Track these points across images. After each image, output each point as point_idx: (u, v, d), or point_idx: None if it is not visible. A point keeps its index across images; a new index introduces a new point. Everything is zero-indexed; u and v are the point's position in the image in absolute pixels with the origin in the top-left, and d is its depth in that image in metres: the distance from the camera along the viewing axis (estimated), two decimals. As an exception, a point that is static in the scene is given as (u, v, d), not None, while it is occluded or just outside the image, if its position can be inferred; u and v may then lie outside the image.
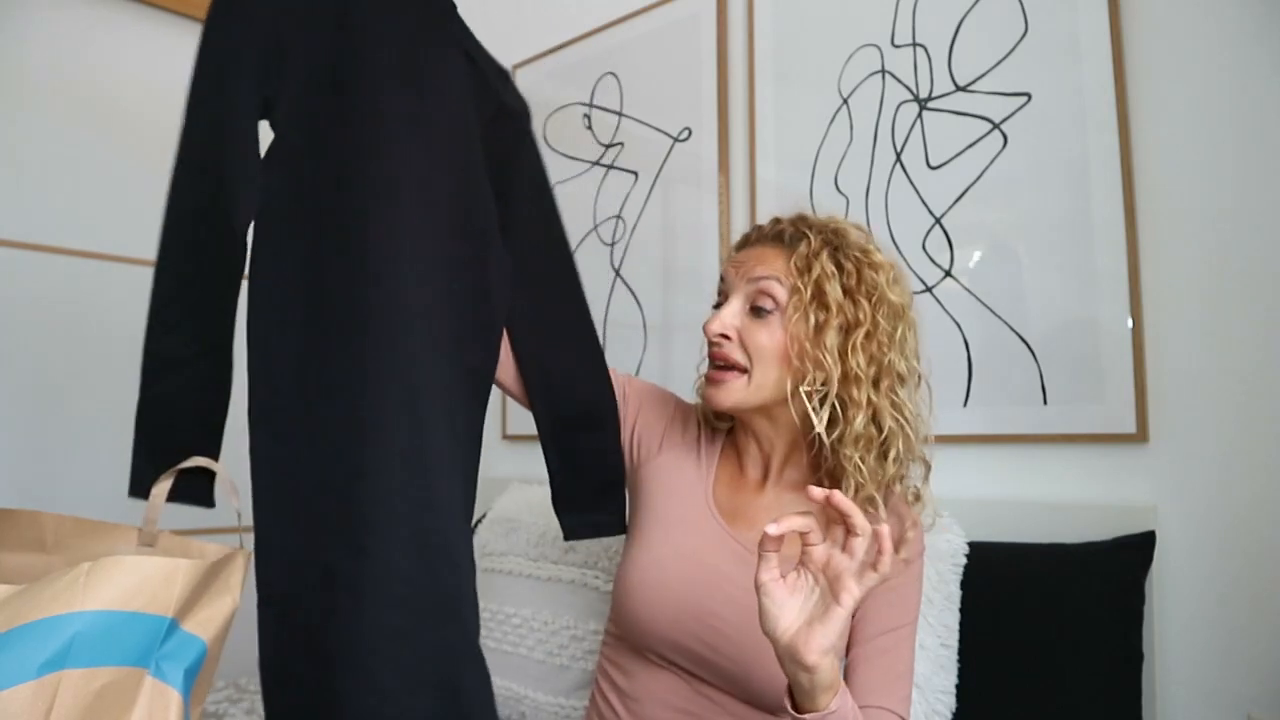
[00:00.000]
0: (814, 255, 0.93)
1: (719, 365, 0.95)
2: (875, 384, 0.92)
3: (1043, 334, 1.39)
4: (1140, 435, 1.29)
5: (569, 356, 1.04)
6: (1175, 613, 1.24)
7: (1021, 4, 1.45)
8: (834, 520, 0.73)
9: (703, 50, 1.89)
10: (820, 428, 0.91)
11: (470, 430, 0.90)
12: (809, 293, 0.91)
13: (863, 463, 0.92)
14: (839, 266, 0.93)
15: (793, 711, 0.74)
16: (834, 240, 0.95)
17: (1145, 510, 1.25)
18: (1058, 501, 1.34)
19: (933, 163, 1.53)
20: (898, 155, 1.57)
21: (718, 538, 0.98)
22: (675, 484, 1.05)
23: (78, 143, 2.00)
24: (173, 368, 0.79)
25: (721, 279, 1.02)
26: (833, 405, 0.92)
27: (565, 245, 1.05)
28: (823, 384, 0.92)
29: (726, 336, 0.94)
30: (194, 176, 0.77)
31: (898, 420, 0.93)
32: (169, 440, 0.78)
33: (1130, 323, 1.31)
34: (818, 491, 0.71)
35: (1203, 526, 1.23)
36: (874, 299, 0.92)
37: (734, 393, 0.94)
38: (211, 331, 0.80)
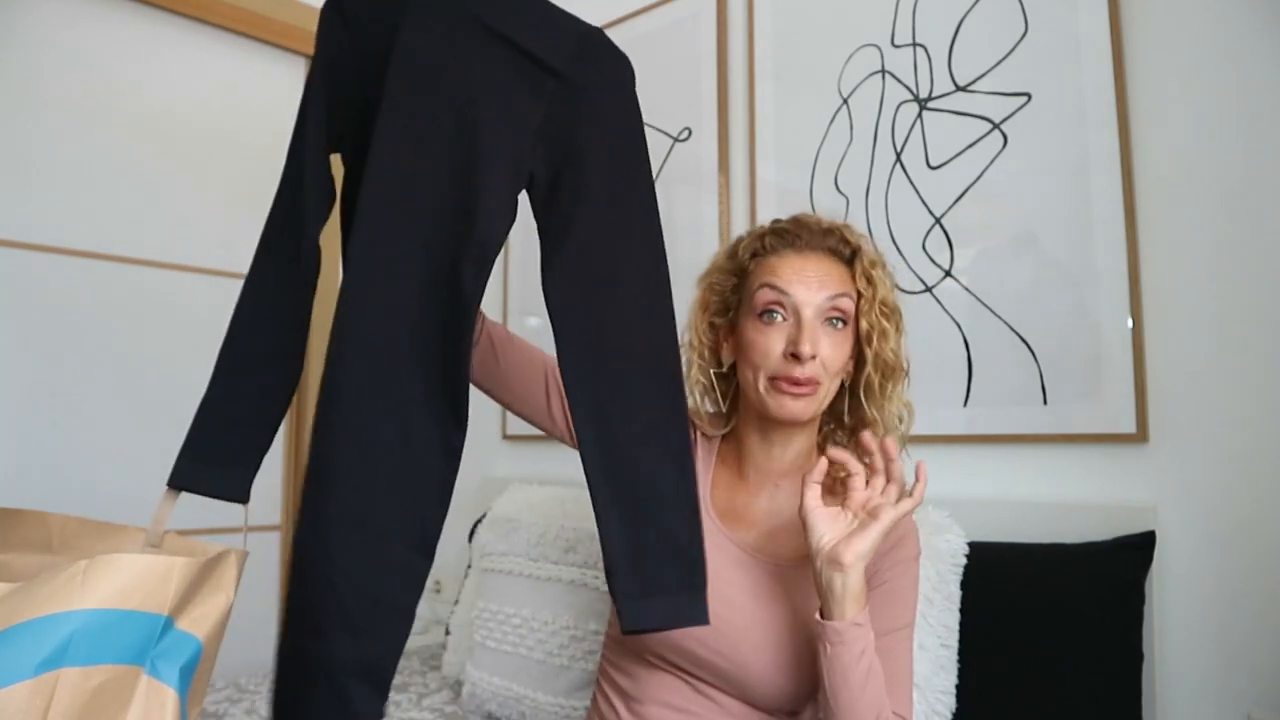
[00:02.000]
0: (871, 267, 0.99)
1: (799, 381, 0.94)
2: (895, 379, 1.00)
3: (1043, 334, 1.39)
4: (1140, 435, 1.29)
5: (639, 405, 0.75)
6: (1175, 613, 1.24)
7: (1021, 4, 1.45)
8: (874, 469, 0.88)
9: (703, 50, 1.90)
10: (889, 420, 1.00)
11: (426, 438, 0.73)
12: (876, 305, 0.97)
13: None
14: (887, 275, 1.01)
15: (821, 618, 0.83)
16: (872, 251, 1.02)
17: (1145, 510, 1.25)
18: (1058, 501, 1.34)
19: (933, 163, 1.53)
20: (898, 155, 1.57)
21: (715, 541, 0.98)
22: None
23: (78, 143, 2.01)
24: (248, 368, 0.82)
25: (771, 288, 0.96)
26: (867, 400, 1.00)
27: (649, 247, 0.78)
28: (879, 383, 0.99)
29: (814, 356, 0.93)
30: (283, 193, 0.84)
31: (908, 409, 1.01)
32: (225, 437, 0.80)
33: (1130, 323, 1.31)
34: (870, 438, 0.88)
35: (1203, 526, 1.23)
36: (897, 306, 1.01)
37: (814, 405, 0.96)
38: (286, 338, 0.83)
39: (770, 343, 0.95)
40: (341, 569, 0.69)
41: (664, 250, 0.78)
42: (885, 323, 0.97)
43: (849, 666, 0.82)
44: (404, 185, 0.75)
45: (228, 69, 2.29)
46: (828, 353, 0.94)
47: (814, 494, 0.88)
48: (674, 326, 0.76)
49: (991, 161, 1.46)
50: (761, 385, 0.96)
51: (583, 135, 0.77)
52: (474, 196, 0.73)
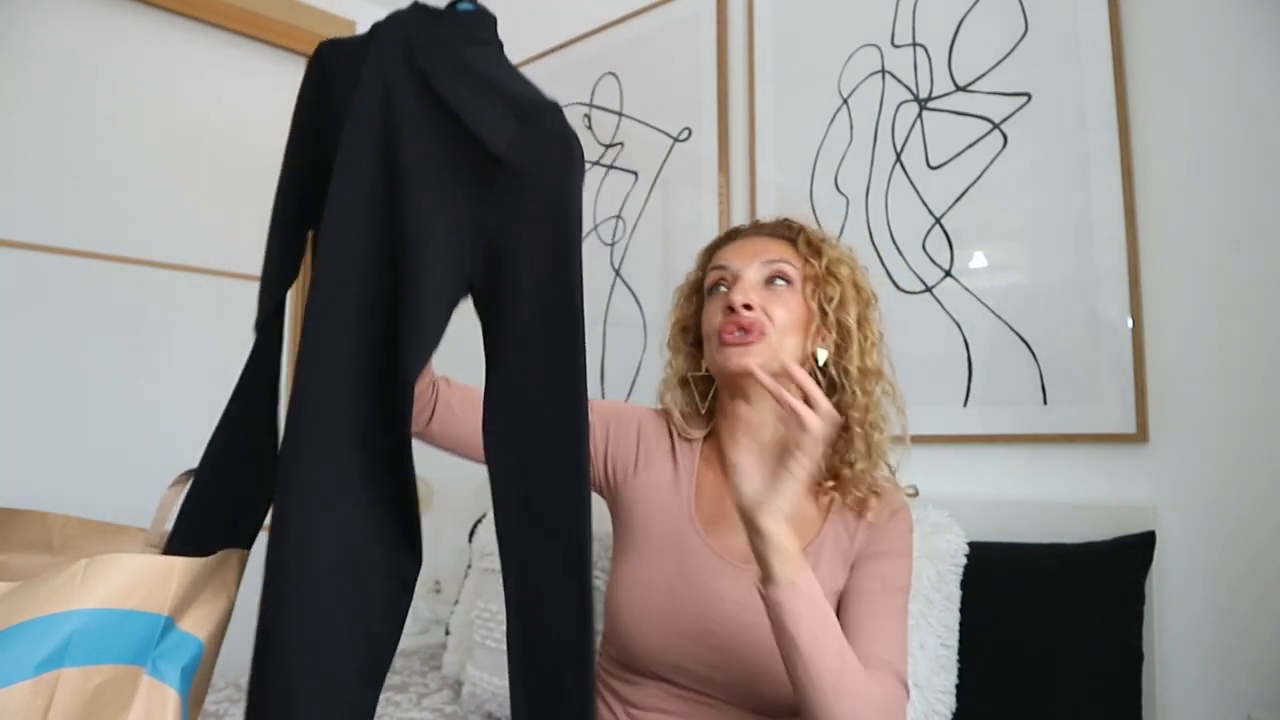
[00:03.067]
0: (820, 241, 1.03)
1: (739, 332, 0.96)
2: (869, 356, 1.00)
3: (1043, 334, 1.39)
4: (1140, 435, 1.29)
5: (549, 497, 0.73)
6: (1175, 613, 1.24)
7: (1021, 4, 1.45)
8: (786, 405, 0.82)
9: (703, 50, 1.89)
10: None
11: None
12: (823, 269, 1.00)
13: (863, 430, 0.98)
14: (838, 255, 1.03)
15: (760, 585, 0.80)
16: (819, 232, 1.06)
17: (1145, 510, 1.25)
18: (1058, 501, 1.34)
19: (933, 163, 1.53)
20: (898, 155, 1.57)
21: (703, 554, 0.98)
22: (656, 502, 1.04)
23: (78, 143, 2.01)
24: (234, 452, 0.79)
25: (716, 269, 1.03)
26: (840, 375, 0.99)
27: (570, 380, 0.71)
28: (837, 352, 0.99)
29: (749, 306, 0.97)
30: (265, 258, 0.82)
31: (887, 391, 1.01)
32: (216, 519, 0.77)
33: (1130, 323, 1.31)
34: (793, 366, 0.83)
35: (1203, 526, 1.23)
36: (860, 284, 1.03)
37: (757, 353, 0.95)
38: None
39: (715, 309, 1.01)
40: (290, 708, 0.65)
41: (583, 376, 0.71)
42: (840, 287, 1.00)
43: (792, 630, 0.77)
44: (341, 282, 0.69)
45: (228, 69, 2.29)
46: (774, 309, 0.97)
47: (741, 449, 0.89)
48: (586, 478, 0.70)
49: (991, 161, 1.46)
50: (714, 348, 0.99)
51: (523, 236, 0.71)
52: (408, 307, 0.68)
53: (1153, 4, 1.33)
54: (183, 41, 2.19)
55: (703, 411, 1.09)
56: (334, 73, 0.78)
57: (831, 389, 0.99)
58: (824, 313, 0.99)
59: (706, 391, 1.08)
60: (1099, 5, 1.36)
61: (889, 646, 0.88)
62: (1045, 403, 1.38)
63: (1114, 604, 1.17)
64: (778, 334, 0.97)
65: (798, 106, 1.73)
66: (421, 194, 0.70)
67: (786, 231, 1.06)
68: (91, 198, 2.01)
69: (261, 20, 2.29)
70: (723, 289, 1.02)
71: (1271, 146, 1.22)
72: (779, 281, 1.00)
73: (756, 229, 1.08)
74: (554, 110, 0.73)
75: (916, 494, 1.05)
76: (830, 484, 0.99)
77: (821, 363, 0.99)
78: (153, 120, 2.12)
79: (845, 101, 1.65)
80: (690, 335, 1.11)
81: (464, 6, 0.78)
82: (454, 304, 0.70)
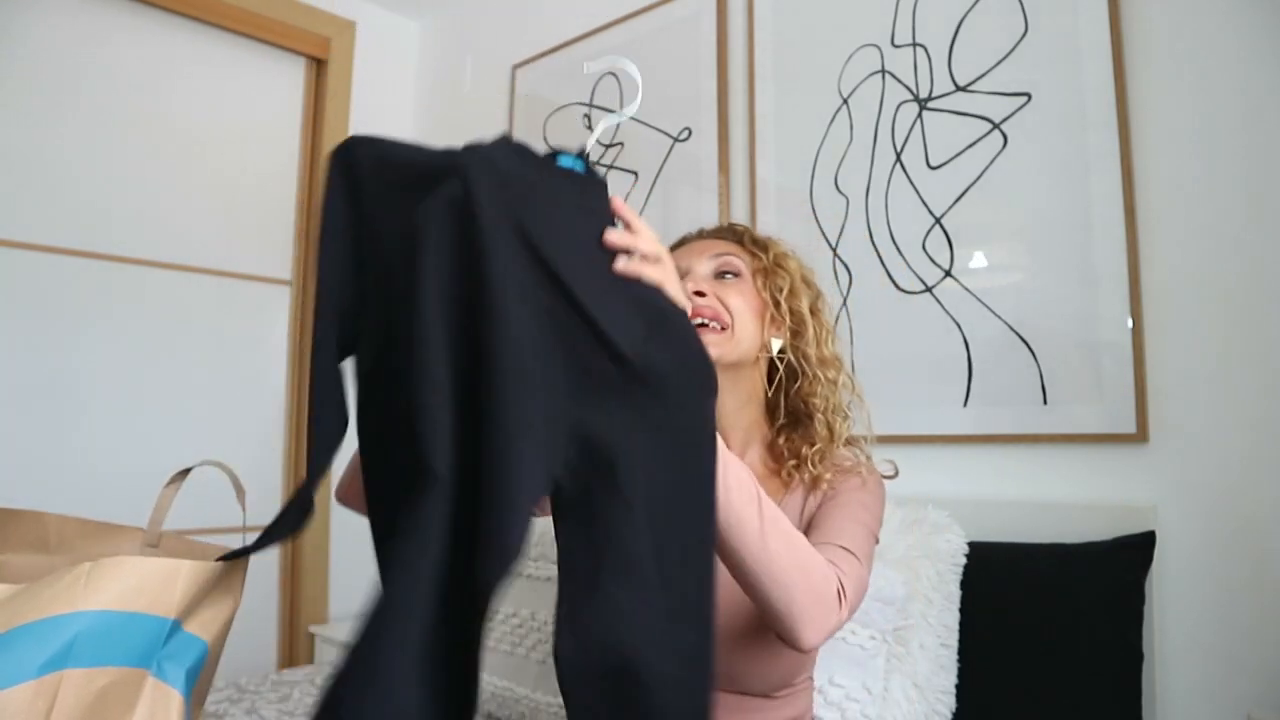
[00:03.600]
0: (765, 239, 1.07)
1: (699, 323, 0.97)
2: (825, 345, 1.03)
3: (1043, 334, 1.39)
4: (1140, 435, 1.29)
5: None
6: (1175, 613, 1.24)
7: (1021, 4, 1.45)
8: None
9: (703, 50, 1.89)
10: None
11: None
12: (771, 261, 1.03)
13: (825, 415, 1.00)
14: (784, 250, 1.07)
15: None
16: (765, 235, 1.09)
17: (1145, 510, 1.25)
18: (1058, 501, 1.34)
19: (933, 163, 1.53)
20: (898, 155, 1.57)
21: None
22: None
23: (79, 143, 2.01)
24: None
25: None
26: (799, 361, 1.01)
27: (691, 611, 0.62)
28: (793, 339, 1.02)
29: (701, 293, 0.98)
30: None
31: (845, 385, 1.03)
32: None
33: (1130, 323, 1.31)
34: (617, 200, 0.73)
35: (1203, 526, 1.23)
36: (808, 279, 1.06)
37: (717, 345, 0.96)
38: None
39: None
40: None
41: (712, 623, 0.61)
42: (790, 277, 1.02)
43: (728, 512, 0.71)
44: (405, 470, 0.60)
45: (228, 69, 2.29)
46: (729, 299, 0.98)
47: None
48: None
49: (991, 161, 1.46)
50: None
51: (640, 448, 0.61)
52: (492, 507, 0.57)
53: (1153, 4, 1.34)
54: (183, 41, 2.19)
55: None
56: (373, 187, 0.66)
57: (791, 377, 1.02)
58: (776, 302, 1.01)
59: None
60: (1099, 5, 1.37)
61: (846, 538, 0.87)
62: (1045, 403, 1.38)
63: (1114, 604, 1.17)
64: (738, 324, 0.98)
65: (798, 106, 1.73)
66: (517, 379, 0.58)
67: (730, 234, 1.08)
68: (91, 198, 2.01)
69: (261, 20, 2.28)
70: None
71: (1271, 146, 1.22)
72: (728, 276, 1.02)
73: (701, 234, 1.11)
74: (684, 319, 0.67)
75: (895, 474, 1.03)
76: (792, 463, 1.00)
77: (777, 350, 1.01)
78: (153, 120, 2.12)
79: (845, 101, 1.65)
80: None
81: (570, 162, 0.67)
82: (535, 502, 0.60)
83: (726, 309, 0.98)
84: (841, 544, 0.87)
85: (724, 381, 0.94)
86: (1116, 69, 1.34)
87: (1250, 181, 1.23)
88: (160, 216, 2.12)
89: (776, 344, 1.01)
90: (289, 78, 2.38)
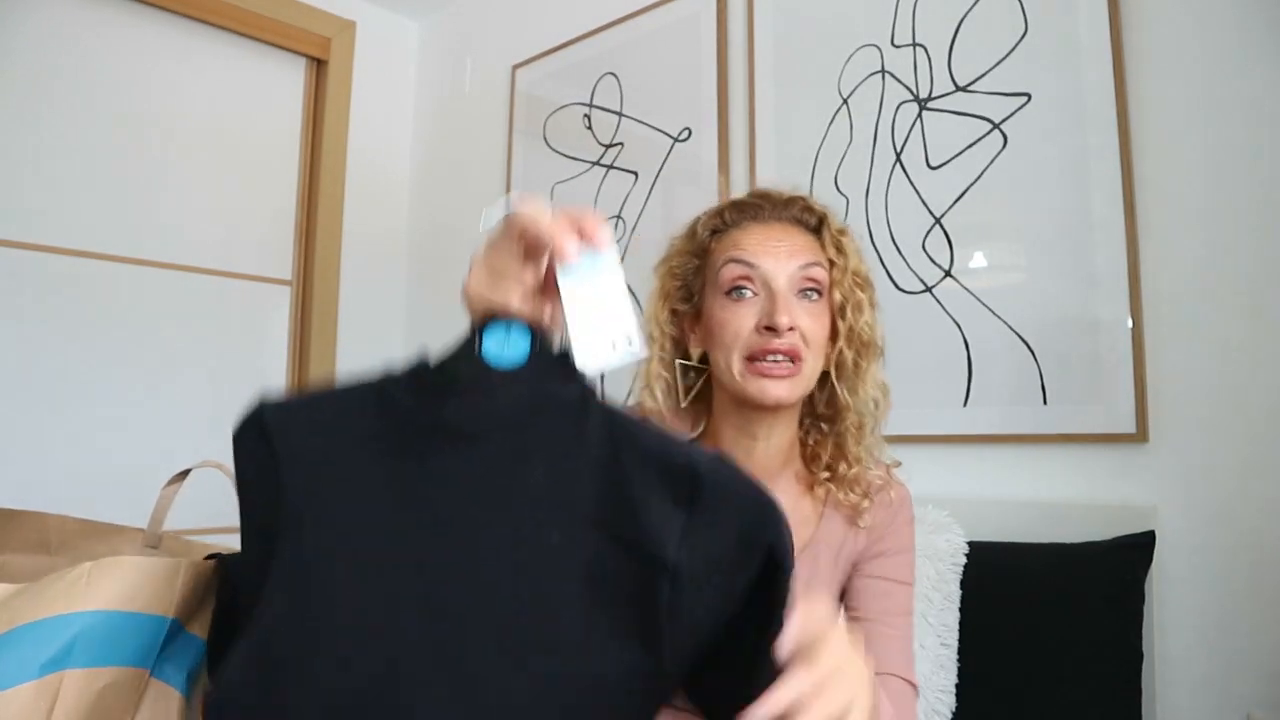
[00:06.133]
0: (840, 235, 0.92)
1: (778, 359, 0.85)
2: (870, 357, 0.92)
3: (1043, 334, 1.39)
4: (1140, 435, 1.29)
5: None
6: (1175, 613, 1.24)
7: (1021, 4, 1.45)
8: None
9: (703, 50, 1.89)
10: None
11: None
12: (849, 275, 0.90)
13: (861, 433, 0.91)
14: (856, 246, 0.93)
15: None
16: (838, 220, 0.95)
17: (1145, 510, 1.25)
18: (1058, 501, 1.34)
19: (933, 163, 1.53)
20: (898, 155, 1.57)
21: None
22: None
23: (79, 143, 2.01)
24: None
25: (739, 263, 0.89)
26: (847, 384, 0.91)
27: None
28: (854, 369, 0.90)
29: (792, 328, 0.85)
30: None
31: (883, 391, 0.93)
32: None
33: (1130, 323, 1.31)
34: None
35: (1203, 526, 1.23)
36: (872, 282, 0.94)
37: (798, 386, 0.86)
38: None
39: (741, 320, 0.87)
40: None
41: None
42: (860, 293, 0.90)
43: None
44: None
45: (228, 69, 2.29)
46: (807, 325, 0.86)
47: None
48: None
49: (991, 161, 1.46)
50: (737, 369, 0.87)
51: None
52: None
53: (1153, 4, 1.34)
54: (183, 41, 2.19)
55: (683, 405, 0.95)
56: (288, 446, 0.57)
57: (828, 399, 0.92)
58: (848, 326, 0.89)
59: (692, 386, 0.95)
60: (1099, 5, 1.37)
61: (897, 655, 0.86)
62: (1045, 403, 1.38)
63: (1114, 604, 1.17)
64: (810, 358, 0.87)
65: (798, 106, 1.73)
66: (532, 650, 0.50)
67: (809, 216, 0.93)
68: (91, 198, 2.01)
69: (262, 20, 2.28)
70: (748, 293, 0.88)
71: (1272, 146, 1.22)
72: (812, 294, 0.88)
73: (773, 209, 0.93)
74: (729, 468, 0.54)
75: (898, 464, 0.98)
76: (825, 475, 0.93)
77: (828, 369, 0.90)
78: (153, 120, 2.12)
79: (845, 101, 1.65)
80: (678, 322, 0.97)
81: (500, 355, 0.56)
82: None
83: (805, 341, 0.86)
84: (906, 676, 0.84)
85: (780, 413, 0.90)
86: (1116, 69, 1.34)
87: (1251, 181, 1.23)
88: (160, 216, 2.12)
89: (830, 362, 0.91)
90: (289, 78, 2.38)
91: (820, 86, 1.69)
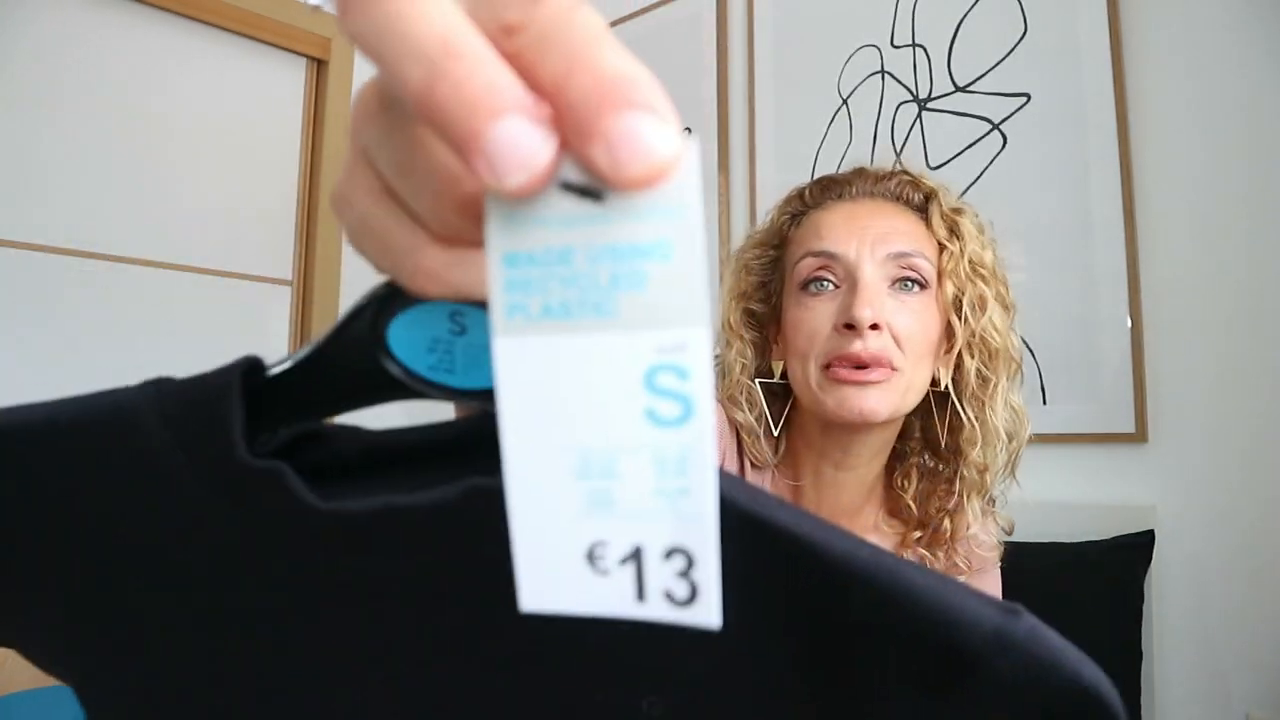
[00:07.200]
0: (956, 214, 0.73)
1: (860, 364, 0.67)
2: (1000, 370, 0.72)
3: (1043, 334, 1.39)
4: (1140, 435, 1.29)
5: None
6: (1175, 612, 1.24)
7: (1021, 4, 1.45)
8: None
9: (703, 50, 1.90)
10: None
11: None
12: (964, 263, 0.71)
13: (984, 480, 0.73)
14: (978, 228, 0.75)
15: None
16: (953, 197, 0.76)
17: (1145, 510, 1.25)
18: (1057, 501, 1.34)
19: (933, 163, 1.53)
20: (897, 155, 1.57)
21: None
22: None
23: (80, 143, 2.01)
24: None
25: (819, 254, 0.71)
26: (969, 406, 0.72)
27: None
28: (977, 374, 0.71)
29: (877, 326, 0.67)
30: None
31: (1019, 416, 0.74)
32: None
33: (1130, 323, 1.31)
34: None
35: (1202, 526, 1.23)
36: (1003, 275, 0.76)
37: (890, 398, 0.68)
38: None
39: (817, 318, 0.69)
40: None
41: None
42: (981, 286, 0.71)
43: None
44: None
45: (228, 70, 2.29)
46: (903, 324, 0.68)
47: None
48: None
49: (991, 161, 1.46)
50: (814, 378, 0.69)
51: None
52: None
53: (1153, 4, 1.34)
54: (183, 42, 2.19)
55: (775, 432, 0.76)
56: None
57: (943, 425, 0.73)
58: (969, 329, 0.70)
59: (784, 408, 0.77)
60: (1099, 5, 1.37)
61: None
62: (1045, 402, 1.38)
63: (1113, 603, 1.18)
64: (910, 364, 0.68)
65: (798, 106, 1.73)
66: None
67: (913, 192, 0.75)
68: (91, 197, 2.01)
69: (262, 21, 2.28)
70: (829, 285, 0.70)
71: (1271, 146, 1.22)
72: (911, 285, 0.70)
73: (864, 184, 0.76)
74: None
75: (1011, 530, 0.83)
76: (917, 535, 0.75)
77: (942, 386, 0.71)
78: (153, 120, 2.12)
79: (845, 102, 1.65)
80: (759, 328, 0.78)
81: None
82: None
83: (899, 344, 0.68)
84: None
85: (876, 434, 0.72)
86: (1116, 69, 1.34)
87: (1250, 181, 1.23)
88: (160, 216, 2.12)
89: (945, 375, 0.72)
90: (289, 78, 2.38)
91: (820, 87, 1.69)
